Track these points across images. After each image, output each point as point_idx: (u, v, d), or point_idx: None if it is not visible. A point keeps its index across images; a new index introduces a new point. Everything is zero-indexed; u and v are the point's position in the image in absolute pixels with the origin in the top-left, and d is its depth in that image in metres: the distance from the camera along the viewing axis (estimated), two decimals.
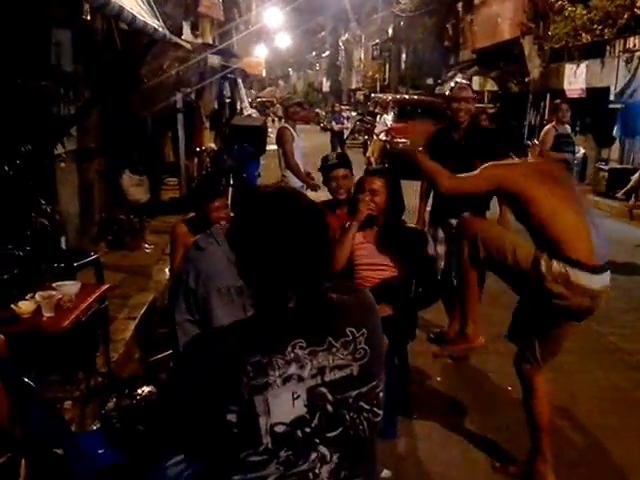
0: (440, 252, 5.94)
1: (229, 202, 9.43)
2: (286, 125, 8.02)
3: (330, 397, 1.81)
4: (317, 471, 1.80)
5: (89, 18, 7.41)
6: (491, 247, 3.75)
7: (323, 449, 1.80)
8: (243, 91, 24.39)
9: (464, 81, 6.58)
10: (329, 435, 1.81)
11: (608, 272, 3.64)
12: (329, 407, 1.81)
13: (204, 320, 3.30)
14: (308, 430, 1.78)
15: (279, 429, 1.75)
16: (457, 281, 4.17)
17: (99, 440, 3.22)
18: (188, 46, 9.85)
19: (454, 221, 5.54)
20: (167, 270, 7.23)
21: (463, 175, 3.96)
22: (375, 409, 1.87)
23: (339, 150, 19.14)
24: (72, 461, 2.92)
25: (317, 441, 1.80)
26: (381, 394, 1.90)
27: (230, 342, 1.84)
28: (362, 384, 1.85)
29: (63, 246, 6.08)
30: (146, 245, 8.58)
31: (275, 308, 1.85)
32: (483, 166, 3.88)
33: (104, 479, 2.97)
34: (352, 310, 1.94)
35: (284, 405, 1.76)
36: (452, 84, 6.08)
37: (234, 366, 1.76)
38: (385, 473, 3.84)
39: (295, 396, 1.78)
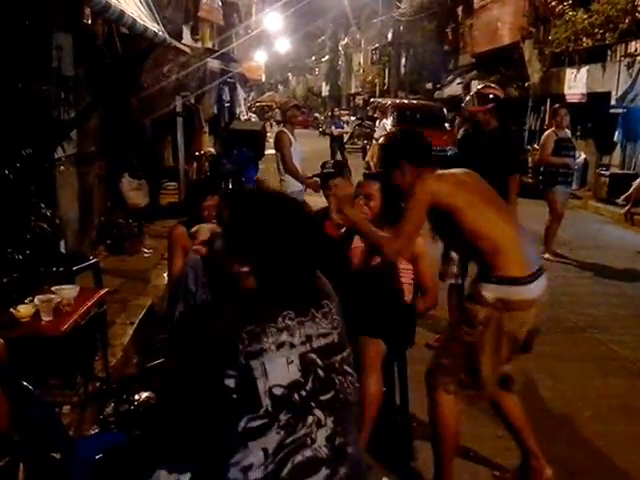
0: (454, 256, 5.96)
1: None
2: (284, 129, 8.06)
3: (320, 362, 2.02)
4: (314, 436, 1.96)
5: (90, 22, 7.43)
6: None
7: (318, 412, 1.97)
8: (241, 96, 24.45)
9: (487, 90, 6.64)
10: (323, 398, 1.99)
11: (544, 275, 3.55)
12: (320, 372, 2.01)
13: None
14: (304, 393, 1.96)
15: (277, 391, 1.92)
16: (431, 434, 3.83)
17: (97, 444, 3.23)
18: (188, 50, 9.89)
19: None
20: (165, 275, 7.23)
21: (401, 223, 3.62)
22: (353, 372, 2.12)
23: (338, 155, 19.18)
24: (70, 465, 2.92)
25: (313, 404, 1.98)
26: (350, 353, 2.16)
27: (225, 313, 2.01)
28: (342, 350, 2.10)
29: (62, 250, 6.08)
30: (145, 250, 8.58)
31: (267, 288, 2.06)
32: (412, 192, 3.59)
33: None
34: (322, 284, 2.19)
35: (280, 369, 1.94)
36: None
37: (230, 335, 1.92)
38: None
39: (289, 361, 1.96)
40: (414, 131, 4.24)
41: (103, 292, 4.92)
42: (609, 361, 6.06)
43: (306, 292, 2.08)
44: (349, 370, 2.09)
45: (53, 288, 4.35)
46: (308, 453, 1.94)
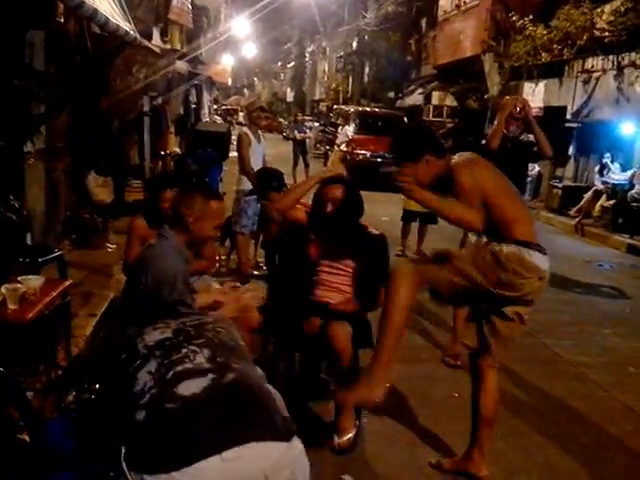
0: None
1: None
2: (245, 130, 8.20)
3: (191, 329, 2.73)
4: (192, 357, 2.56)
5: (62, 20, 7.48)
6: (441, 287, 3.69)
7: (192, 347, 2.60)
8: (206, 98, 24.50)
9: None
10: (195, 342, 2.63)
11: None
12: (191, 331, 2.71)
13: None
14: (175, 341, 2.65)
15: (150, 343, 2.65)
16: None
17: (60, 428, 3.33)
18: (158, 50, 9.95)
19: None
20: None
21: (459, 204, 3.61)
22: (233, 336, 2.81)
23: (301, 159, 19.25)
24: (39, 446, 3.02)
25: (185, 344, 2.62)
26: (236, 334, 2.87)
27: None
28: (215, 324, 2.83)
29: (28, 242, 6.14)
30: (109, 245, 8.64)
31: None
32: (459, 182, 3.64)
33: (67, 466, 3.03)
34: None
35: (154, 335, 2.69)
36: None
37: (125, 338, 2.85)
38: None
39: (163, 332, 2.72)
40: (425, 125, 4.32)
41: (68, 283, 4.98)
42: (553, 364, 6.29)
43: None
44: (222, 330, 2.80)
45: (19, 278, 4.38)
46: (189, 366, 2.51)
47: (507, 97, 6.91)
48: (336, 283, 4.59)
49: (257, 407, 2.47)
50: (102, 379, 2.97)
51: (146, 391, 2.42)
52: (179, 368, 2.47)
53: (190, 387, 2.40)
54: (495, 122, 6.51)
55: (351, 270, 4.57)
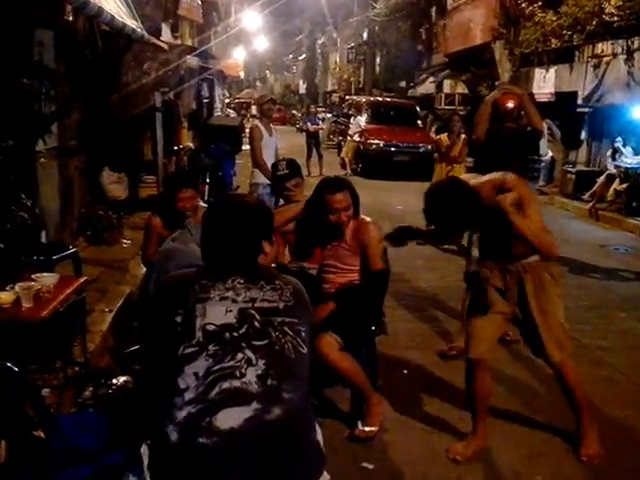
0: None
1: (205, 197, 9.61)
2: (257, 124, 8.27)
3: (257, 316, 2.36)
4: (243, 371, 2.27)
5: (71, 19, 7.53)
6: None
7: (249, 352, 2.30)
8: (218, 92, 24.57)
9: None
10: (256, 343, 2.31)
11: None
12: (256, 323, 2.35)
13: None
14: (235, 334, 2.31)
15: (209, 327, 2.31)
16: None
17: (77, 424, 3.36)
18: (165, 46, 9.98)
19: None
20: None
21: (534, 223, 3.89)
22: (299, 340, 2.40)
23: (315, 151, 19.23)
24: (54, 443, 3.00)
25: (244, 345, 2.30)
26: (304, 334, 2.42)
27: (189, 272, 2.58)
28: (285, 316, 2.40)
29: (43, 240, 6.16)
30: (124, 240, 8.69)
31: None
32: (522, 194, 3.89)
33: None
34: (285, 279, 2.53)
35: (217, 313, 2.34)
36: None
37: (187, 285, 2.42)
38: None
39: (228, 310, 2.35)
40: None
41: (82, 280, 4.98)
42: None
43: (253, 268, 2.51)
44: (289, 332, 2.39)
45: (33, 276, 4.40)
46: (236, 383, 2.25)
47: (493, 95, 6.82)
48: (342, 283, 4.56)
49: (295, 455, 2.35)
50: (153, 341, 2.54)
51: (185, 401, 2.23)
52: (225, 385, 2.25)
53: (229, 419, 2.22)
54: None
55: (356, 267, 4.55)
